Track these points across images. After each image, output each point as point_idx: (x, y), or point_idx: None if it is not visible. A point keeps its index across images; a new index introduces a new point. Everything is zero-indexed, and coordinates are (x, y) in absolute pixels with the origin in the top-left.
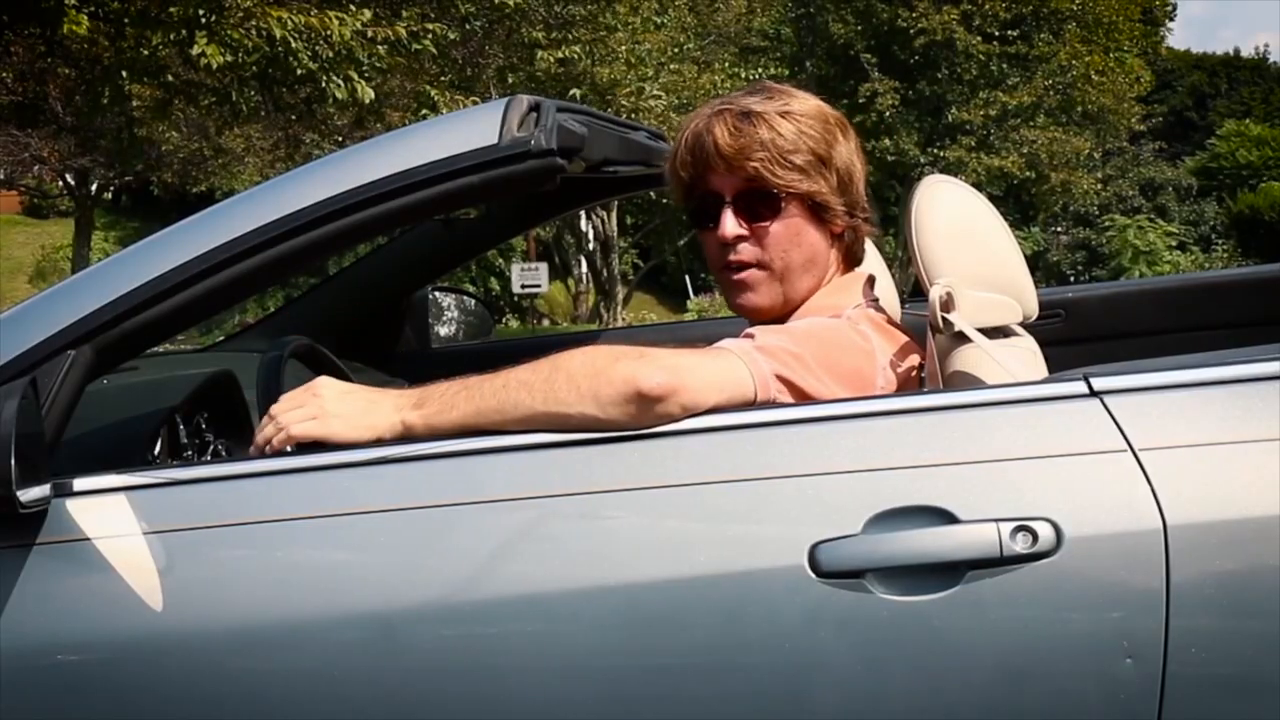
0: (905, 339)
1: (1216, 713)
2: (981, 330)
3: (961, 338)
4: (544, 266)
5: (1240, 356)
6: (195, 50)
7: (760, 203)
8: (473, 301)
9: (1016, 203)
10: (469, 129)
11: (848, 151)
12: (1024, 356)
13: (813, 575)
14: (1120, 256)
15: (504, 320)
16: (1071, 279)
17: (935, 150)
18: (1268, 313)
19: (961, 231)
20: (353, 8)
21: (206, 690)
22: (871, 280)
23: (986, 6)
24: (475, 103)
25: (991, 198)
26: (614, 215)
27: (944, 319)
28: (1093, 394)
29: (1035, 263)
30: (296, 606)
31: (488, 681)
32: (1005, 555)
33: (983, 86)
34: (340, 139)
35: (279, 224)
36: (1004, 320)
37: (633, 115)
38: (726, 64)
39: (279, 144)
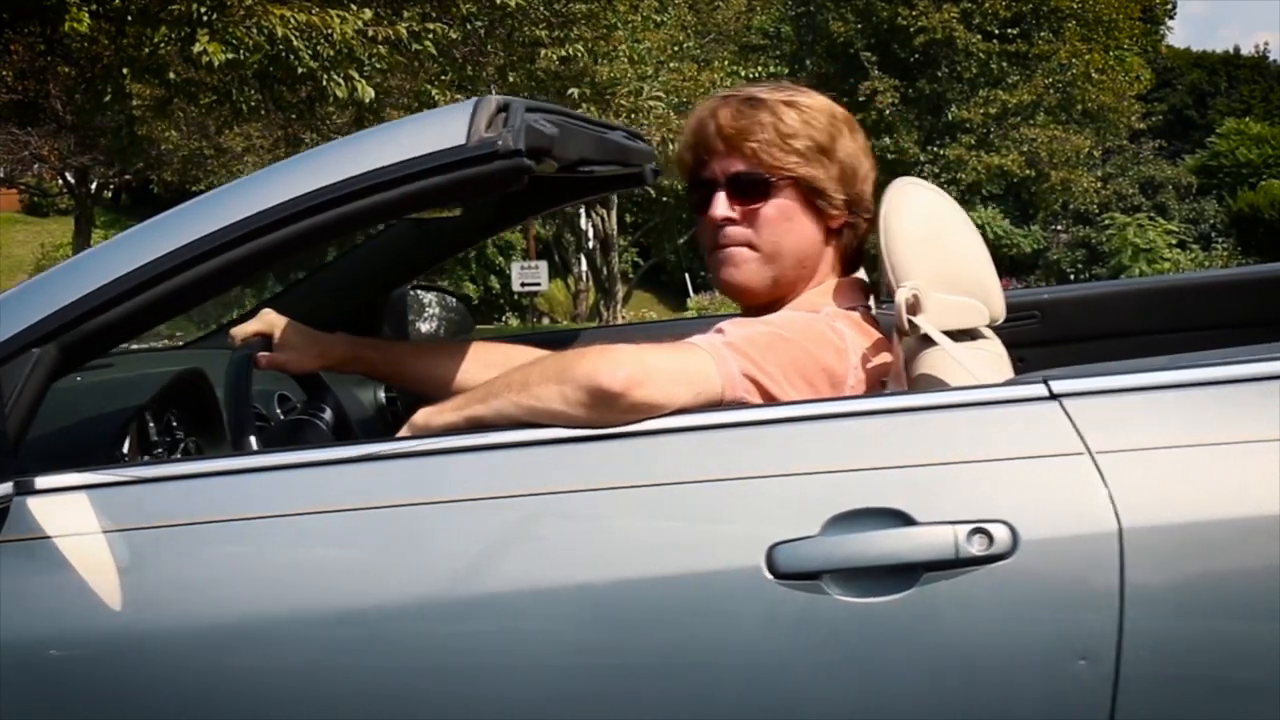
0: (882, 339)
1: (1169, 714)
2: (949, 333)
3: (928, 340)
4: (544, 265)
5: (1197, 360)
6: (196, 48)
7: (755, 185)
8: (453, 299)
9: (1016, 201)
10: (437, 129)
11: (854, 147)
12: (989, 359)
13: (770, 576)
14: (1120, 255)
15: (504, 319)
16: (1071, 277)
17: (935, 149)
18: (1244, 315)
19: (930, 234)
20: (354, 7)
21: (165, 690)
22: (867, 289)
23: (986, 5)
24: None
25: (991, 196)
26: (614, 214)
27: (909, 321)
28: (1052, 397)
29: (1035, 261)
30: (260, 605)
31: (454, 679)
32: (961, 557)
33: (983, 85)
34: (340, 138)
35: (244, 224)
36: (970, 323)
37: (632, 115)
38: (726, 62)
39: (279, 143)
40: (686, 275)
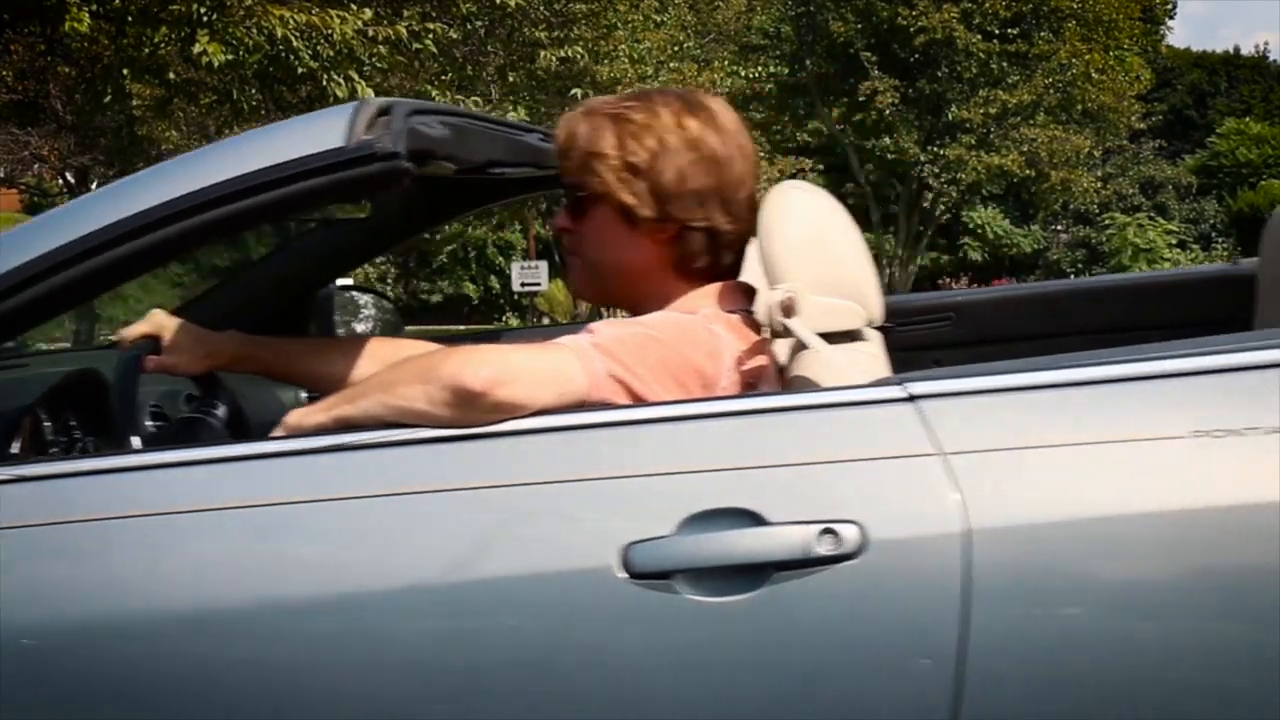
0: (760, 341)
1: (1014, 712)
2: (830, 335)
3: (803, 342)
4: (544, 265)
5: (1054, 363)
6: (196, 48)
7: (576, 199)
8: (386, 301)
9: (1016, 201)
10: (317, 132)
11: (684, 162)
12: (864, 361)
13: (625, 576)
14: (1120, 255)
15: (504, 318)
16: (1072, 277)
17: (935, 148)
18: (1156, 317)
19: (809, 238)
20: (354, 6)
21: (22, 693)
22: (751, 293)
23: (986, 5)
24: (476, 102)
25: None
26: None
27: (778, 323)
28: (909, 399)
29: (1035, 261)
30: (122, 605)
31: (306, 677)
32: (810, 557)
33: (983, 85)
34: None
35: (123, 224)
36: (846, 325)
37: None
38: (726, 62)
39: None
40: None
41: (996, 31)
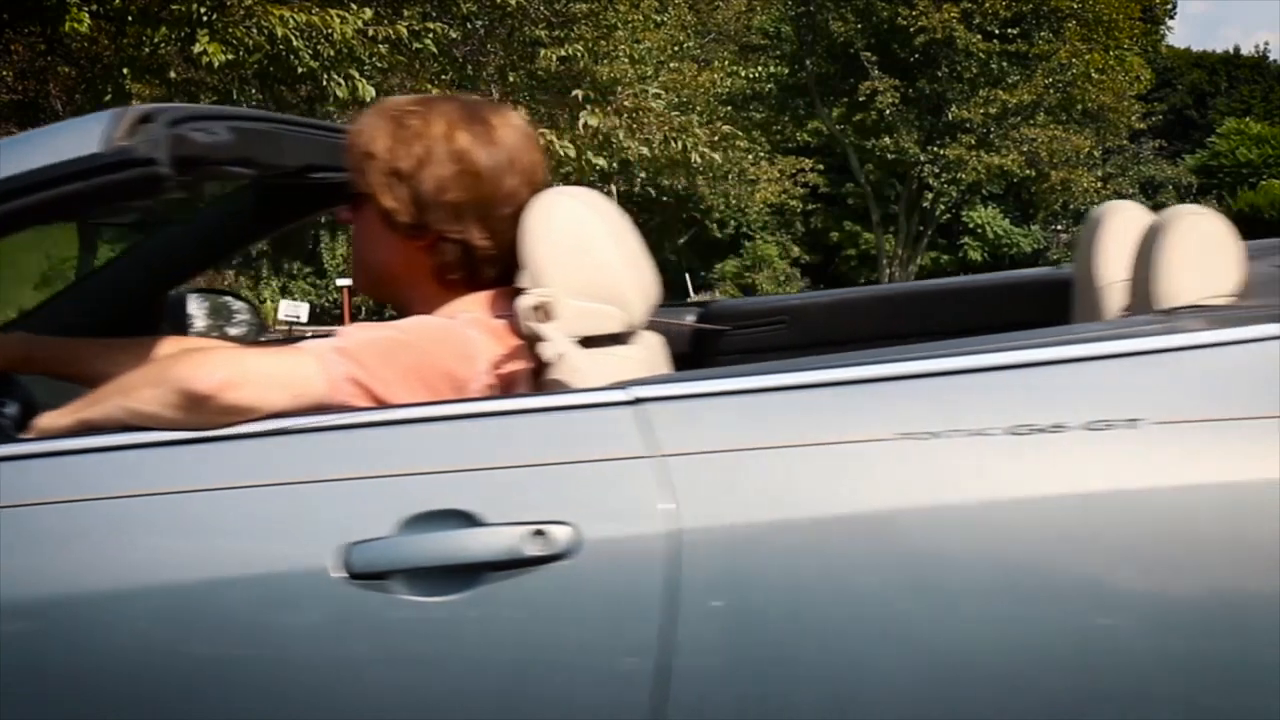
0: (520, 346)
1: (720, 708)
2: (594, 339)
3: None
4: None
5: (783, 368)
6: (196, 48)
7: (350, 197)
8: (243, 303)
9: (1016, 201)
10: (76, 137)
11: (446, 176)
12: (616, 365)
13: (345, 576)
14: None
15: None
16: None
17: (935, 148)
18: (976, 320)
19: (570, 243)
20: (354, 6)
21: None
22: (515, 295)
23: (986, 5)
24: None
25: (991, 196)
26: None
27: (527, 327)
28: (633, 402)
29: (1035, 261)
30: None
31: (29, 679)
32: (521, 557)
33: (983, 84)
34: None
35: None
36: (604, 329)
37: (634, 114)
38: (726, 62)
39: None
40: (687, 275)
41: (996, 31)
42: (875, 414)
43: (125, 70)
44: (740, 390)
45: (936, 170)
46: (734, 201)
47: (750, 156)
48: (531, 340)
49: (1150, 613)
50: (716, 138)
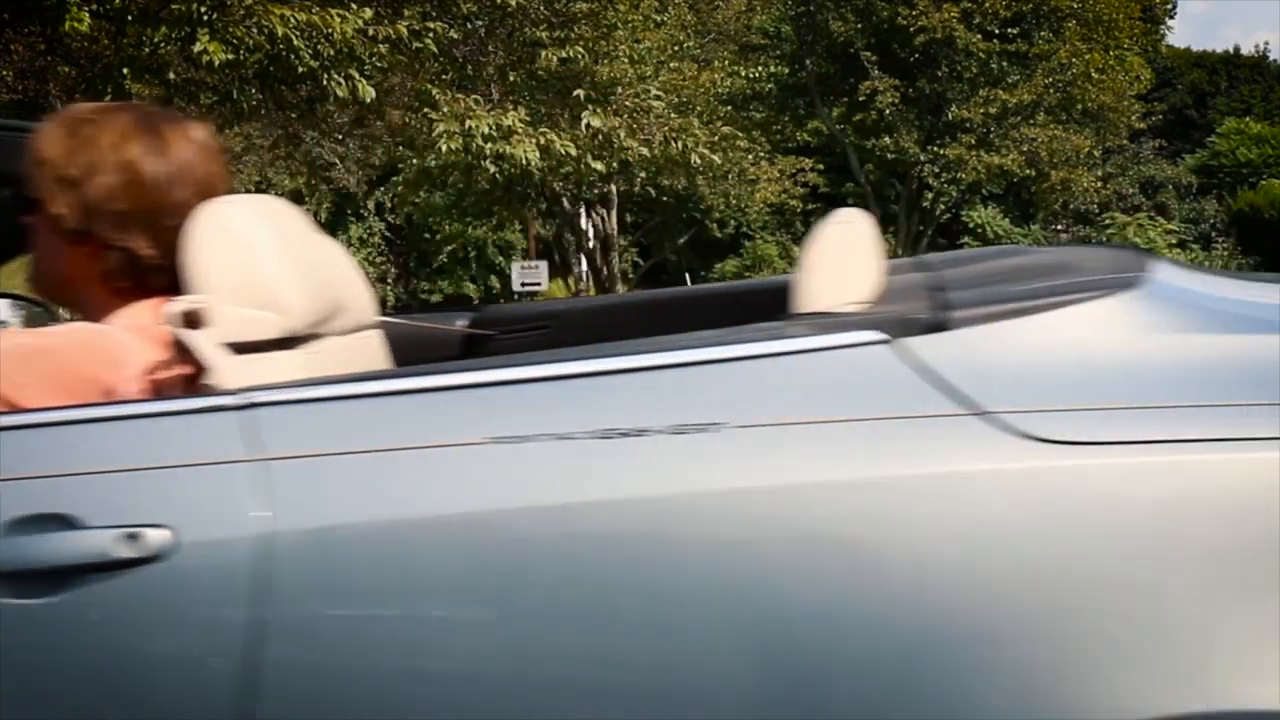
0: (179, 351)
1: (310, 705)
2: (259, 344)
3: (217, 352)
4: (544, 265)
5: (385, 375)
6: (196, 48)
7: (31, 203)
8: (37, 306)
9: (1016, 201)
10: None
11: (113, 185)
12: (284, 370)
13: None
14: None
15: None
16: None
17: (935, 148)
18: (734, 324)
19: (226, 249)
20: (354, 6)
21: None
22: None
23: (986, 4)
24: (476, 101)
25: (991, 196)
26: (614, 213)
27: (175, 333)
28: (243, 407)
29: None
30: None
31: None
32: (114, 560)
33: (983, 84)
34: (340, 137)
35: None
36: (260, 335)
37: (634, 115)
38: (726, 62)
39: (279, 143)
40: (687, 275)
41: (996, 31)
42: (470, 418)
43: (125, 70)
44: (344, 396)
45: (936, 170)
46: (734, 201)
47: (750, 156)
48: (178, 346)
49: (715, 614)
50: (716, 138)
